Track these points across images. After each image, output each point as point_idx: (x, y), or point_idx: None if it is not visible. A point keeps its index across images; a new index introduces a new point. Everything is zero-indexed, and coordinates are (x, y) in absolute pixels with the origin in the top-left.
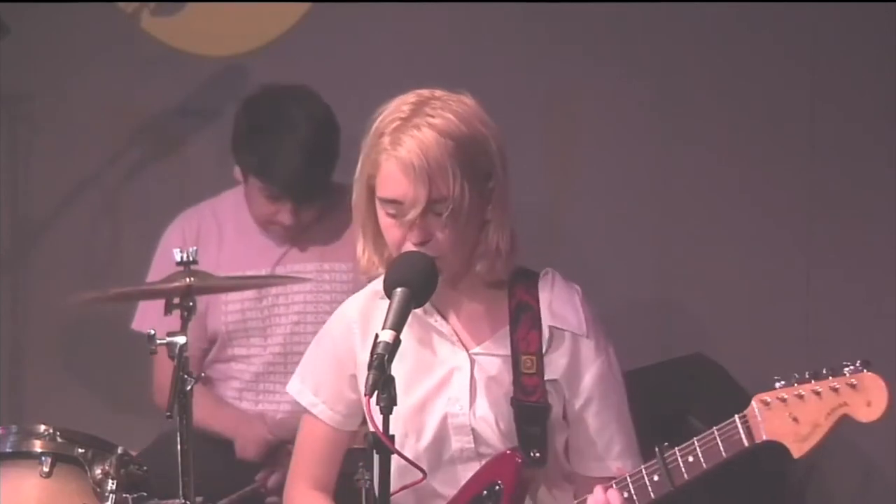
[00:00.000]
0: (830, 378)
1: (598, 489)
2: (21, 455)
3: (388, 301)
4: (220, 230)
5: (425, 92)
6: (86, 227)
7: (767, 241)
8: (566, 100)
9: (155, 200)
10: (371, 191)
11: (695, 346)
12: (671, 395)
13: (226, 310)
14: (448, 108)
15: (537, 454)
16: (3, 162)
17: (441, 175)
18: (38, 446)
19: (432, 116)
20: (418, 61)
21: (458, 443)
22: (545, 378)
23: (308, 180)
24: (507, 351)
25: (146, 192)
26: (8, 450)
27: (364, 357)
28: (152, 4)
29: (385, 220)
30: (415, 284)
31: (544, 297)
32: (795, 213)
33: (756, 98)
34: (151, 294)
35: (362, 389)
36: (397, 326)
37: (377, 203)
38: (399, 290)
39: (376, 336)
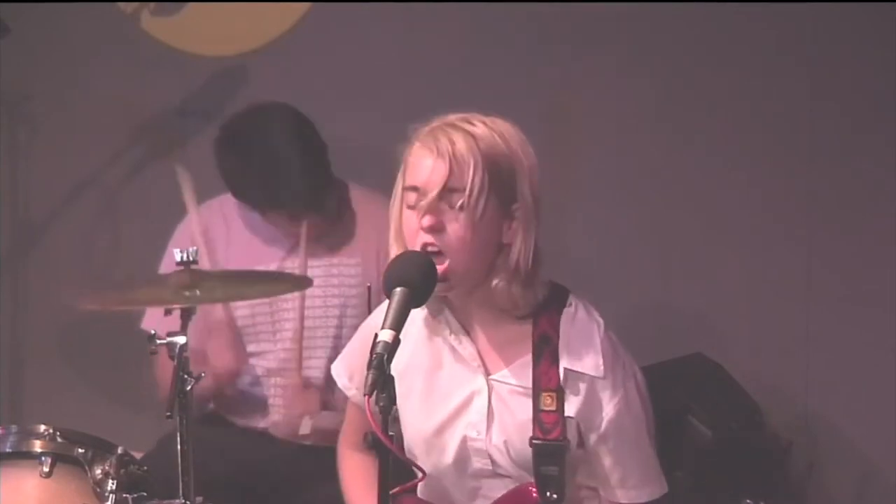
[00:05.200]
0: None
1: None
2: (21, 455)
3: (419, 310)
4: (227, 227)
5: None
6: (86, 227)
7: (767, 241)
8: (566, 100)
9: (155, 200)
10: (402, 201)
11: (695, 346)
12: (671, 395)
13: (234, 305)
14: (492, 124)
15: (554, 496)
16: (3, 162)
17: (463, 165)
18: (38, 446)
19: (473, 125)
20: (418, 61)
21: (477, 463)
22: (564, 414)
23: (314, 187)
24: (527, 382)
25: (146, 192)
26: (8, 450)
27: (397, 367)
28: (152, 4)
29: (406, 215)
30: (414, 284)
31: (564, 332)
32: (795, 213)
33: (756, 98)
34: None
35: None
36: (397, 326)
37: (404, 205)
38: (399, 289)
39: (375, 336)
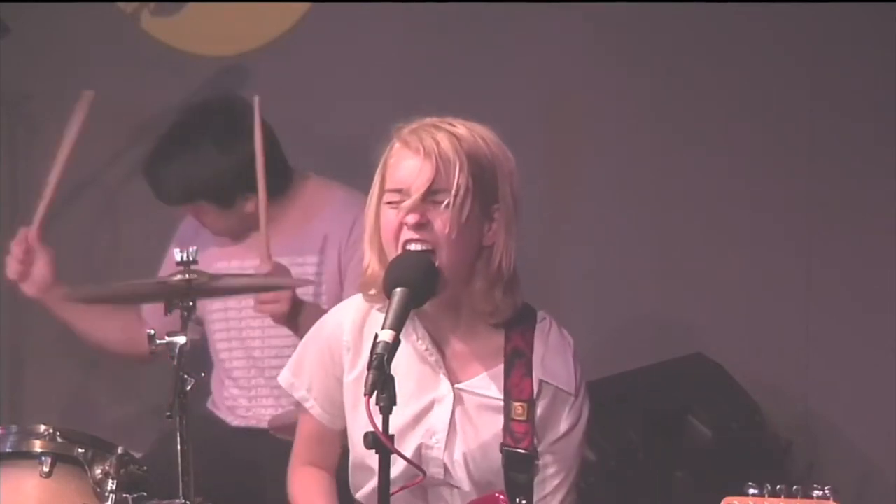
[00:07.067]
0: (800, 498)
1: None
2: (21, 455)
3: (383, 314)
4: (196, 233)
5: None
6: (86, 227)
7: (767, 242)
8: (566, 100)
9: (155, 200)
10: (380, 201)
11: (695, 346)
12: (671, 395)
13: (211, 308)
14: (472, 127)
15: (523, 501)
16: (3, 162)
17: (448, 165)
18: (38, 446)
19: (454, 126)
20: (418, 61)
21: (430, 471)
22: (535, 425)
23: (173, 184)
24: (497, 394)
25: (146, 192)
26: (8, 450)
27: (352, 375)
28: (152, 4)
29: (386, 216)
30: (414, 284)
31: (538, 347)
32: (795, 213)
33: (756, 98)
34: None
35: (348, 401)
36: (397, 326)
37: (383, 204)
38: (399, 289)
39: (376, 336)
